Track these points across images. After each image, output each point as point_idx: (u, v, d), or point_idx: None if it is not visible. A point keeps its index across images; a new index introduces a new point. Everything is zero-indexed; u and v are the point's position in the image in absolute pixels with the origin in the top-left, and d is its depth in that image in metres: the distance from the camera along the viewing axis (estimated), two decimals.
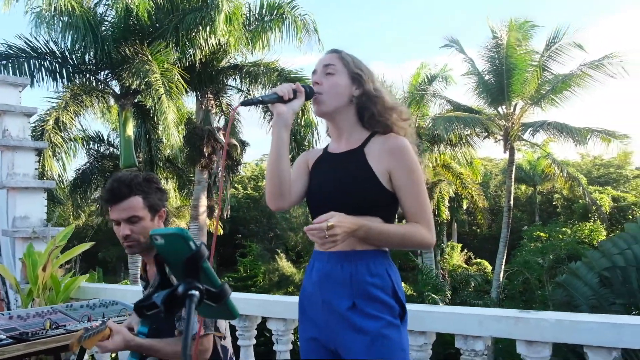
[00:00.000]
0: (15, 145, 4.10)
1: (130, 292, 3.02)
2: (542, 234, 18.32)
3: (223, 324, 1.90)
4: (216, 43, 10.94)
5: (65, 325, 2.12)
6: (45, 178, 9.95)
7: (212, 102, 13.25)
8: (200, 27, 10.56)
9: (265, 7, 12.12)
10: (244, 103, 1.65)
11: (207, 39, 10.68)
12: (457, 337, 2.19)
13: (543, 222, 23.62)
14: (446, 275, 19.60)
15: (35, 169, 4.14)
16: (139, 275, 2.11)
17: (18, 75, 9.88)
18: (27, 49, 10.21)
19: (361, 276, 1.51)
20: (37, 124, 10.32)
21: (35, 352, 1.93)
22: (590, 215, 18.76)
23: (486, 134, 16.15)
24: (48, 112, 10.62)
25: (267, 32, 12.04)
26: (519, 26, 15.12)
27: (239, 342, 2.77)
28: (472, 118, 15.28)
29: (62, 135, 11.00)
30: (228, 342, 1.92)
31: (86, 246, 3.74)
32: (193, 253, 0.86)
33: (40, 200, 3.96)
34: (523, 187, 27.76)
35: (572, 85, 14.91)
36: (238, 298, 2.88)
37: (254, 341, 2.75)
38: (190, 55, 11.05)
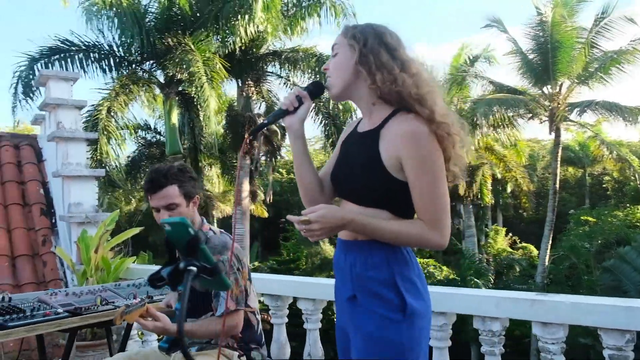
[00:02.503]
0: (69, 136, 4.42)
1: None
2: (589, 218, 17.75)
3: (254, 300, 2.08)
4: (255, 30, 11.13)
5: (114, 302, 2.36)
6: (103, 165, 10.54)
7: (253, 88, 13.52)
8: (239, 15, 10.78)
9: None
10: (253, 131, 1.76)
11: (246, 27, 10.87)
12: (475, 318, 2.27)
13: (593, 205, 22.82)
14: (490, 260, 19.35)
15: (87, 158, 4.45)
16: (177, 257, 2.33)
17: (70, 68, 10.43)
18: (77, 43, 10.73)
19: (359, 269, 1.43)
20: (91, 113, 10.93)
21: (87, 324, 2.20)
22: None
23: (530, 115, 15.71)
24: (101, 102, 11.15)
25: (305, 18, 12.15)
26: (565, 2, 14.53)
27: (272, 320, 2.97)
28: (514, 99, 14.86)
29: (115, 124, 11.55)
30: (258, 317, 2.10)
31: (135, 231, 3.99)
32: (192, 237, 1.06)
33: (92, 187, 4.27)
34: (570, 169, 26.86)
35: (623, 62, 14.25)
36: (272, 279, 3.07)
37: (286, 319, 2.94)
38: (230, 43, 11.28)
